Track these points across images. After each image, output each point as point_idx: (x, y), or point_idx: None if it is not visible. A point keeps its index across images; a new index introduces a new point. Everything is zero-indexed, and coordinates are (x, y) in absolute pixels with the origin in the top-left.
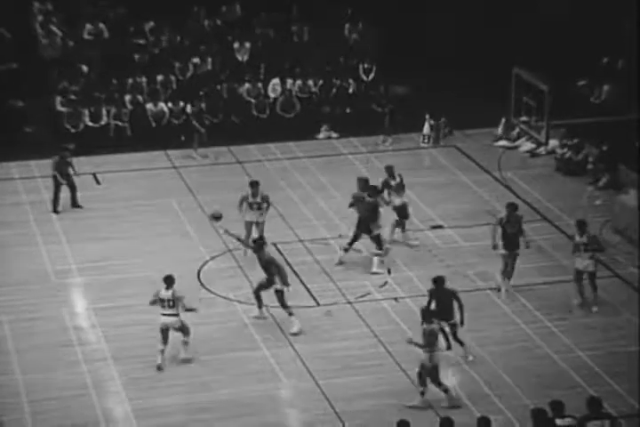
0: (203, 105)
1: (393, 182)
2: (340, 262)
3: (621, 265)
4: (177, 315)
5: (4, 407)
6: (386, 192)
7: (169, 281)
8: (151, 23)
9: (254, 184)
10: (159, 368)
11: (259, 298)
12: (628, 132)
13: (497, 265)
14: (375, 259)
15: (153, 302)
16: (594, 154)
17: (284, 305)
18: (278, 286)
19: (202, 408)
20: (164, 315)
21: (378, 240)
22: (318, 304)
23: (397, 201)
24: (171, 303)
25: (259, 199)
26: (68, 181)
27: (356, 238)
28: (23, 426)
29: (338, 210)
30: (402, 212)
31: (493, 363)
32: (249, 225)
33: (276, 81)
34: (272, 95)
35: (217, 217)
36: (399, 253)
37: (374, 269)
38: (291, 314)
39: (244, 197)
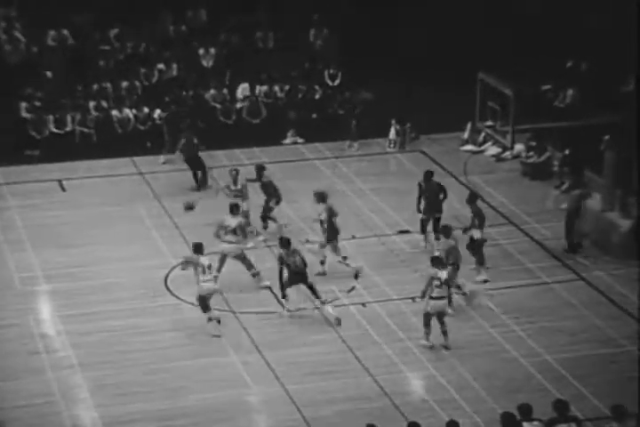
0: (167, 111)
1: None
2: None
3: (586, 268)
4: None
5: None
6: None
7: (235, 209)
8: (116, 29)
9: (233, 171)
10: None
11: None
12: (593, 136)
13: (463, 269)
14: None
15: (217, 231)
16: (558, 157)
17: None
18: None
19: (170, 415)
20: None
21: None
22: (288, 311)
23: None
24: (236, 232)
25: (239, 186)
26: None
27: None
28: None
29: (303, 215)
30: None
31: (460, 367)
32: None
33: (245, 85)
34: (241, 97)
35: (190, 207)
36: (366, 259)
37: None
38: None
39: (226, 186)
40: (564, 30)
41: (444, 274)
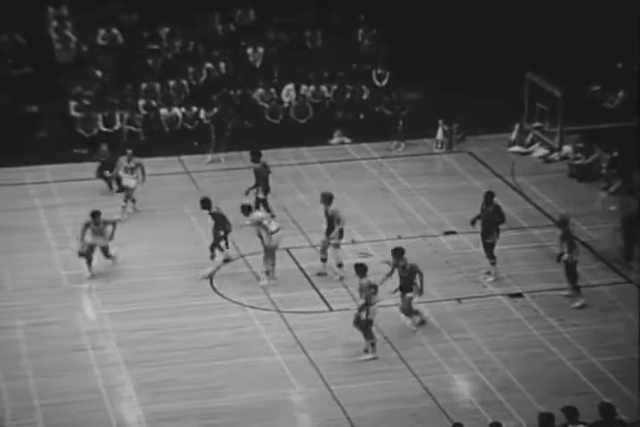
0: (215, 110)
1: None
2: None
3: (633, 271)
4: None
5: (16, 411)
6: None
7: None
8: (165, 28)
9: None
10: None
11: None
12: None
13: (509, 271)
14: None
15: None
16: (605, 159)
17: None
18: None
19: (213, 414)
20: None
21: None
22: (331, 310)
23: None
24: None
25: (132, 164)
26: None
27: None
28: None
29: (349, 215)
30: None
31: (505, 369)
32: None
33: (290, 86)
34: (286, 100)
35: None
36: (411, 259)
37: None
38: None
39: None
40: (613, 30)
41: (372, 280)
